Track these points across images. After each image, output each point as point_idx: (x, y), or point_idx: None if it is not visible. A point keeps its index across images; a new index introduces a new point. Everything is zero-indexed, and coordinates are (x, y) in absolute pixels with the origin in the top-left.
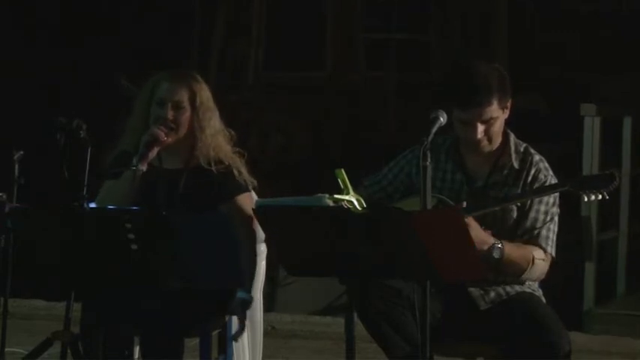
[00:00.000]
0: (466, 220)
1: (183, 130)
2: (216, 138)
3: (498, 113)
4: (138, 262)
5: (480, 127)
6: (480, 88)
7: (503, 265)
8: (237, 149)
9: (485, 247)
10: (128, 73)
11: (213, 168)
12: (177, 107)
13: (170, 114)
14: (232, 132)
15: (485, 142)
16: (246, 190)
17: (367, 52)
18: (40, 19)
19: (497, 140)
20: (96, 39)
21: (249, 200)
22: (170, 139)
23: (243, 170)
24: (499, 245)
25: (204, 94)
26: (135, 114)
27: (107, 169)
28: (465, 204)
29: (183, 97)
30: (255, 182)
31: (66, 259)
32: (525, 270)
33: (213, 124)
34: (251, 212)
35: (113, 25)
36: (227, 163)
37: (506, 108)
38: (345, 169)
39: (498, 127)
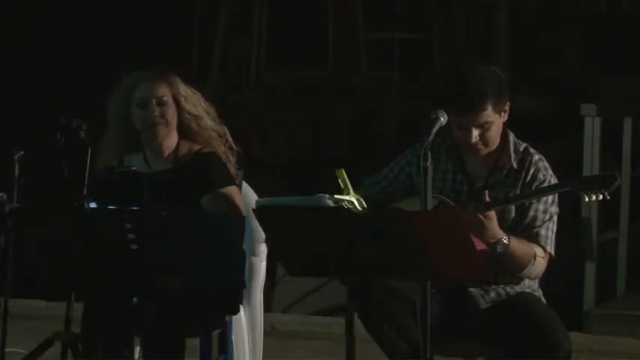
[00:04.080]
0: (488, 213)
1: (172, 126)
2: (206, 126)
3: (494, 118)
4: (138, 262)
5: (475, 132)
6: (474, 93)
7: (507, 258)
8: (229, 144)
9: (493, 241)
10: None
11: (199, 159)
12: (161, 103)
13: (157, 110)
14: (224, 127)
15: (481, 146)
16: (232, 182)
17: (368, 52)
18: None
19: (495, 143)
20: (95, 39)
21: (235, 192)
22: (164, 134)
23: (231, 166)
24: (505, 241)
25: (182, 85)
26: (111, 125)
27: (97, 184)
28: (487, 198)
29: (165, 92)
30: (240, 174)
31: (66, 258)
32: (526, 266)
33: (202, 112)
34: (237, 204)
35: (114, 25)
36: (216, 156)
37: (504, 112)
38: (346, 170)
39: (495, 130)
